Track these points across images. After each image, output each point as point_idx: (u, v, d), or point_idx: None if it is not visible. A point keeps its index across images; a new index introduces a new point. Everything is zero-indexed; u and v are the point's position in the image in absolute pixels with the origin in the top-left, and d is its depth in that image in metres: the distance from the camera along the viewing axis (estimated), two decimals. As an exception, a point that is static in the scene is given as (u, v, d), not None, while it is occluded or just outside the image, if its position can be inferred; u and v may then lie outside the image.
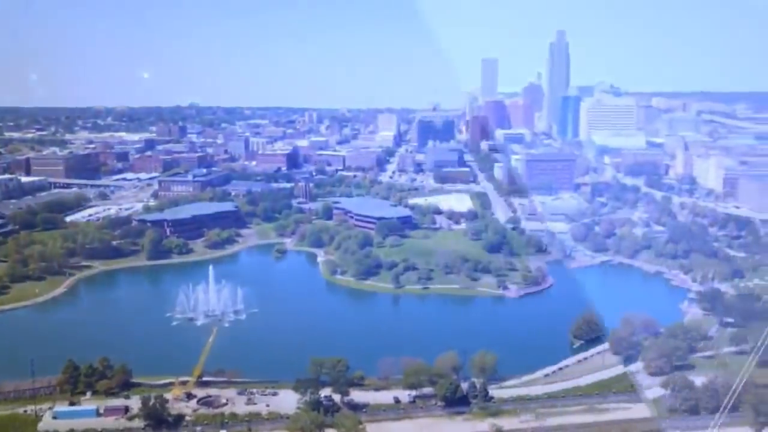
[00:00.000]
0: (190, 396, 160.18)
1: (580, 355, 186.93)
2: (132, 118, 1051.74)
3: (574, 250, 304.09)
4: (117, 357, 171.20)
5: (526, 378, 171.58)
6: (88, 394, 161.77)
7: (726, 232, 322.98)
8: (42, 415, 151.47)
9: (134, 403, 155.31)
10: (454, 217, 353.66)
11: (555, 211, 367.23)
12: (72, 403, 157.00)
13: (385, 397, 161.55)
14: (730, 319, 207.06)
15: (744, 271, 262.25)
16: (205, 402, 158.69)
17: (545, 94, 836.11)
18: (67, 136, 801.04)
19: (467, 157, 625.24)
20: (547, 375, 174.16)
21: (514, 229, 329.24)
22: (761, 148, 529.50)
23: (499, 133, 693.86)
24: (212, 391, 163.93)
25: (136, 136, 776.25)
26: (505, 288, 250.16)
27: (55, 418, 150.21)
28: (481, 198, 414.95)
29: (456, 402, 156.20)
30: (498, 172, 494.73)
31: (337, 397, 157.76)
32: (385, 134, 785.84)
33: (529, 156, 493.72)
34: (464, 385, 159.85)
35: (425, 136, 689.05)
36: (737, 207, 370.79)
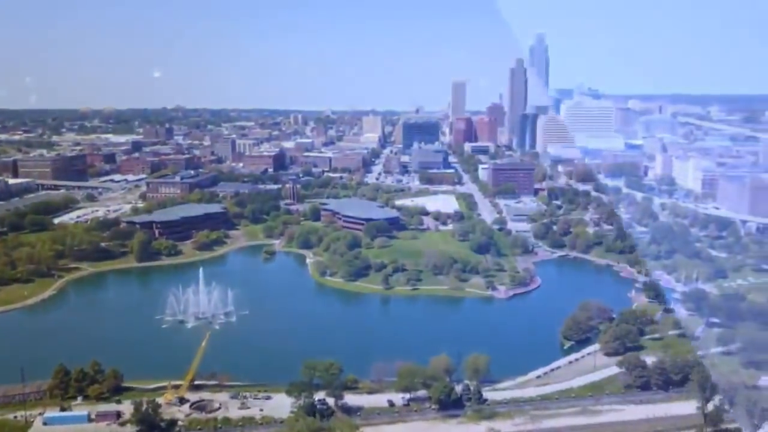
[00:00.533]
0: (182, 400, 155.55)
1: (571, 356, 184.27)
2: (118, 120, 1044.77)
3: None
4: (107, 360, 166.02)
5: (519, 380, 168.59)
6: (79, 399, 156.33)
7: (707, 233, 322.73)
8: (32, 421, 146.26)
9: (126, 407, 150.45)
10: (441, 218, 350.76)
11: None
12: (63, 409, 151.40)
13: (379, 400, 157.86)
14: (715, 320, 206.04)
15: (727, 271, 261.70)
16: (198, 406, 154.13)
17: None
18: (54, 138, 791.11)
19: (451, 158, 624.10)
20: (539, 376, 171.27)
21: (500, 229, 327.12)
22: (736, 149, 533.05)
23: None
24: (205, 395, 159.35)
25: (122, 138, 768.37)
26: (494, 289, 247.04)
27: (45, 424, 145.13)
28: (467, 199, 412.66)
29: (450, 405, 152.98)
30: (482, 173, 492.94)
31: (330, 401, 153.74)
32: (370, 136, 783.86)
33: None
34: (458, 388, 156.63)
35: (410, 137, 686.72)
36: (717, 208, 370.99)
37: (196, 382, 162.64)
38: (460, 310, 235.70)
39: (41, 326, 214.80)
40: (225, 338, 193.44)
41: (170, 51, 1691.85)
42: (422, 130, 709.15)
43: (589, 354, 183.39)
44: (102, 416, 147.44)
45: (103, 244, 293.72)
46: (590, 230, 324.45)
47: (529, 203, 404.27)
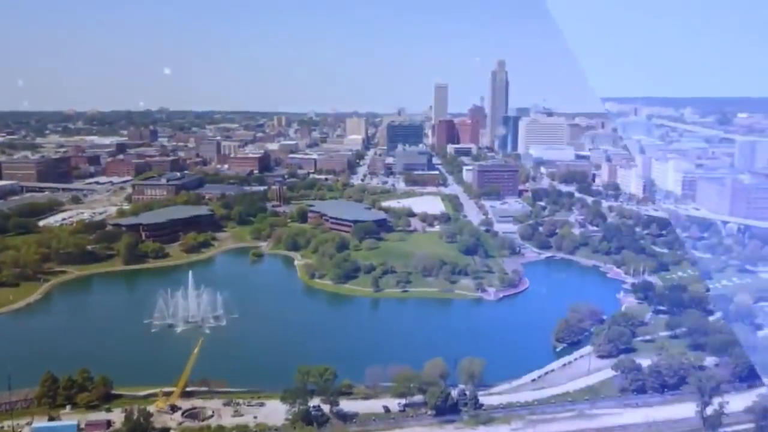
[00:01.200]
0: (174, 408, 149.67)
1: (565, 359, 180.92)
2: (102, 122, 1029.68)
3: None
4: (96, 366, 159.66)
5: (514, 383, 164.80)
6: (68, 407, 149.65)
7: (689, 234, 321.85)
8: (20, 431, 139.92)
9: (116, 416, 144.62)
10: (427, 219, 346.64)
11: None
12: (51, 418, 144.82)
13: (374, 405, 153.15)
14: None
15: (711, 272, 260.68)
16: (191, 414, 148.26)
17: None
18: (38, 140, 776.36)
19: (434, 160, 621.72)
20: (534, 380, 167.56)
21: (487, 231, 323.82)
22: (712, 150, 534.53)
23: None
24: (197, 403, 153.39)
25: (107, 140, 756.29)
26: (483, 291, 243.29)
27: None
28: (453, 200, 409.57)
29: (446, 410, 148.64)
30: (467, 174, 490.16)
31: (325, 407, 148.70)
32: (354, 138, 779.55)
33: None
34: (454, 393, 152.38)
35: (394, 139, 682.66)
36: (696, 209, 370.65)
37: (188, 389, 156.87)
38: (450, 313, 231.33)
39: (27, 331, 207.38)
40: (215, 343, 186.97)
41: (153, 53, 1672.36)
42: (406, 132, 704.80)
43: (582, 357, 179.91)
44: (92, 425, 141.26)
45: (89, 247, 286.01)
46: (576, 231, 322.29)
47: (513, 204, 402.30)
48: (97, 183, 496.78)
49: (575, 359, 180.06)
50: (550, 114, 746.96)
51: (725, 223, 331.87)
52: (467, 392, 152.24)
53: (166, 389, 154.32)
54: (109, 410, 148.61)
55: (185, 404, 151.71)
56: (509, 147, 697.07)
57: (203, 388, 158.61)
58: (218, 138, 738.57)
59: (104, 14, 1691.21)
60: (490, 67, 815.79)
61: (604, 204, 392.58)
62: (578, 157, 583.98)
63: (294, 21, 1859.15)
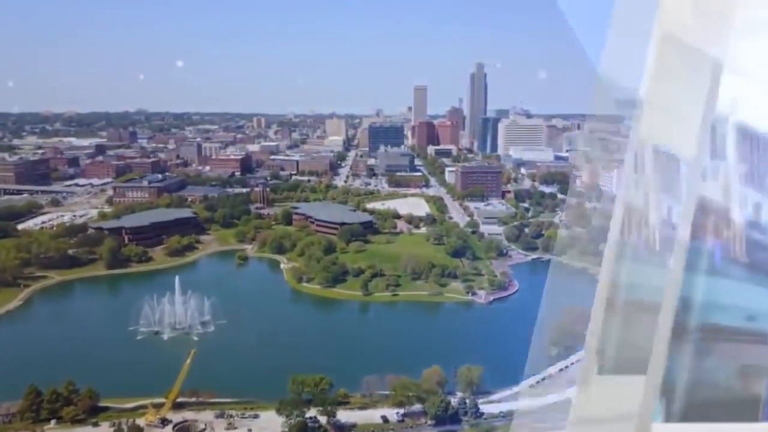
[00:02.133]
0: (164, 421, 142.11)
1: (561, 363, 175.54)
2: (80, 123, 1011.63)
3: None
4: (80, 376, 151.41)
5: (513, 390, 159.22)
6: (53, 422, 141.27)
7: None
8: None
9: (104, 430, 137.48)
10: (413, 221, 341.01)
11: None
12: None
13: (372, 415, 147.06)
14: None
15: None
16: (182, 428, 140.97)
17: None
18: (15, 141, 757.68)
19: (416, 161, 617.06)
20: (532, 386, 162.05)
21: (473, 232, 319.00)
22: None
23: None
24: (188, 415, 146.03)
25: (85, 142, 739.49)
26: (474, 294, 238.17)
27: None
28: (437, 202, 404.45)
29: (446, 419, 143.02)
30: (449, 175, 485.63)
31: (322, 419, 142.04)
32: (334, 139, 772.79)
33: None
34: (453, 401, 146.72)
35: (376, 141, 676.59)
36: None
37: (178, 400, 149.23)
38: (442, 316, 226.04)
39: (7, 340, 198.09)
40: (204, 350, 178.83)
41: (129, 54, 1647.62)
42: (387, 134, 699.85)
43: (578, 361, 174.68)
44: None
45: (70, 251, 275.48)
46: (563, 233, 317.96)
47: (497, 206, 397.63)
48: (77, 185, 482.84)
49: (571, 363, 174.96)
50: (528, 115, 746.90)
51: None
52: (467, 401, 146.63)
53: (156, 401, 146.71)
54: (96, 424, 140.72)
55: (176, 417, 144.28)
56: (488, 148, 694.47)
57: (193, 399, 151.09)
58: (198, 139, 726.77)
59: (81, 14, 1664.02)
60: (468, 69, 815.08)
61: (588, 205, 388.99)
62: (557, 158, 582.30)
63: (271, 22, 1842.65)
